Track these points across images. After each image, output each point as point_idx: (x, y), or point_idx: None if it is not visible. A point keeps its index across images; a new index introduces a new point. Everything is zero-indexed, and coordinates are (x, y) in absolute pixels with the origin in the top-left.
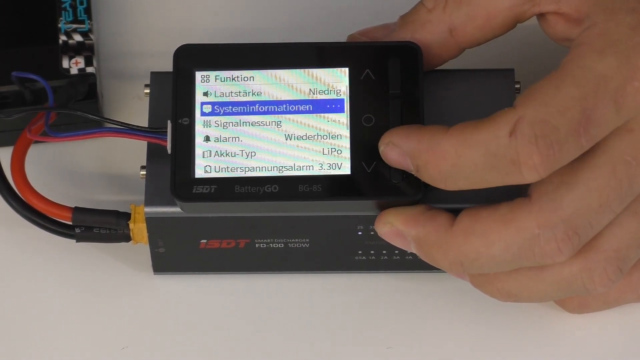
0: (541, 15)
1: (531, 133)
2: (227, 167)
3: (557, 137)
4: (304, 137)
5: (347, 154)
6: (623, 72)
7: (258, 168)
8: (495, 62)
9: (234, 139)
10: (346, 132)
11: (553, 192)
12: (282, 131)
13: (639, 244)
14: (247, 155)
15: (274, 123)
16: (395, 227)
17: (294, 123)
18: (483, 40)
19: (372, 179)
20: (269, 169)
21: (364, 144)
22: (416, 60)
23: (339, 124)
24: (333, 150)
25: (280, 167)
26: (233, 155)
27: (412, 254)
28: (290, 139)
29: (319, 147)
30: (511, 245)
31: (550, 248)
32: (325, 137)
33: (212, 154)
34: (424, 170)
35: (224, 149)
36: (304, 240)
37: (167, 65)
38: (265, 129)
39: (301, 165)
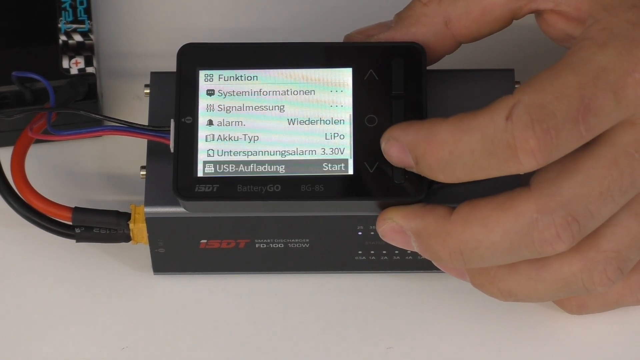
0: (538, 14)
1: (527, 117)
2: (230, 167)
3: (554, 122)
4: (308, 138)
5: (349, 154)
6: (623, 64)
7: (260, 170)
8: (495, 62)
9: (236, 138)
10: (349, 133)
11: (553, 179)
12: (286, 129)
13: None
14: (250, 155)
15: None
16: (395, 222)
17: (297, 123)
18: (479, 35)
19: (375, 179)
20: (271, 171)
21: (366, 145)
22: (419, 60)
23: (342, 124)
24: (336, 150)
25: (285, 164)
26: (236, 154)
27: (412, 253)
28: (295, 137)
29: (322, 148)
30: (510, 231)
31: (549, 234)
32: (328, 137)
33: (215, 153)
34: (423, 161)
35: (227, 148)
36: (304, 240)
37: (167, 65)
38: (268, 128)
39: (305, 164)
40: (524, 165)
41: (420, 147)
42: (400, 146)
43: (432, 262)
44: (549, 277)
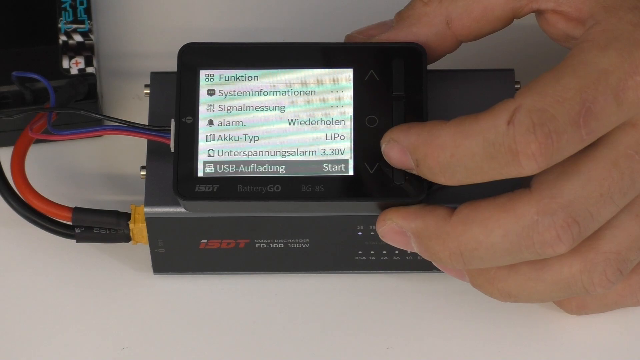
0: (539, 13)
1: (529, 121)
2: (230, 167)
3: (556, 126)
4: (308, 138)
5: (350, 154)
6: (624, 66)
7: (261, 171)
8: (495, 62)
9: (237, 138)
10: (349, 133)
11: (553, 181)
12: (286, 129)
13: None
14: (250, 155)
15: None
16: (395, 222)
17: (297, 123)
18: (480, 34)
19: (375, 180)
20: (272, 172)
21: (366, 145)
22: (420, 61)
23: (343, 125)
24: (337, 150)
25: (285, 164)
26: (236, 154)
27: (412, 253)
28: (295, 138)
29: (322, 148)
30: (510, 232)
31: (549, 235)
32: (329, 138)
33: (215, 153)
34: (423, 163)
35: (227, 148)
36: (304, 240)
37: (167, 66)
38: (269, 128)
39: (305, 164)
40: (525, 169)
41: (420, 150)
42: (400, 148)
43: (432, 262)
44: (548, 278)
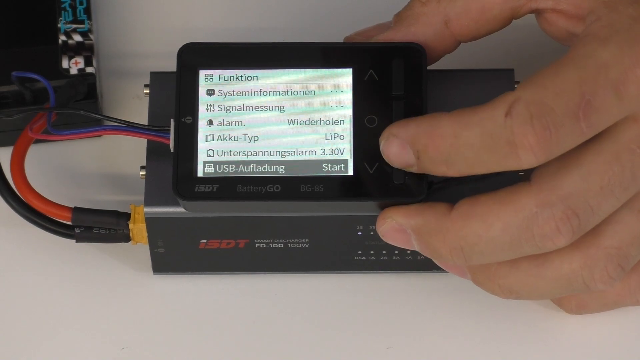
0: (539, 13)
1: (526, 113)
2: (230, 167)
3: (554, 118)
4: (308, 139)
5: (349, 154)
6: (625, 60)
7: (260, 171)
8: (495, 62)
9: (236, 138)
10: (349, 133)
11: (553, 173)
12: (286, 129)
13: None
14: (250, 155)
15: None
16: (395, 220)
17: (297, 123)
18: (478, 34)
19: (375, 179)
20: (272, 172)
21: (366, 145)
22: (420, 61)
23: (342, 125)
24: (336, 150)
25: (285, 164)
26: (236, 154)
27: (412, 253)
28: (295, 138)
29: (322, 148)
30: (510, 225)
31: (549, 228)
32: (328, 137)
33: (215, 153)
34: (424, 155)
35: (227, 148)
36: (304, 240)
37: (167, 65)
38: (268, 128)
39: (304, 164)
40: (523, 161)
41: (421, 141)
42: (400, 142)
43: (433, 259)
44: (549, 274)
